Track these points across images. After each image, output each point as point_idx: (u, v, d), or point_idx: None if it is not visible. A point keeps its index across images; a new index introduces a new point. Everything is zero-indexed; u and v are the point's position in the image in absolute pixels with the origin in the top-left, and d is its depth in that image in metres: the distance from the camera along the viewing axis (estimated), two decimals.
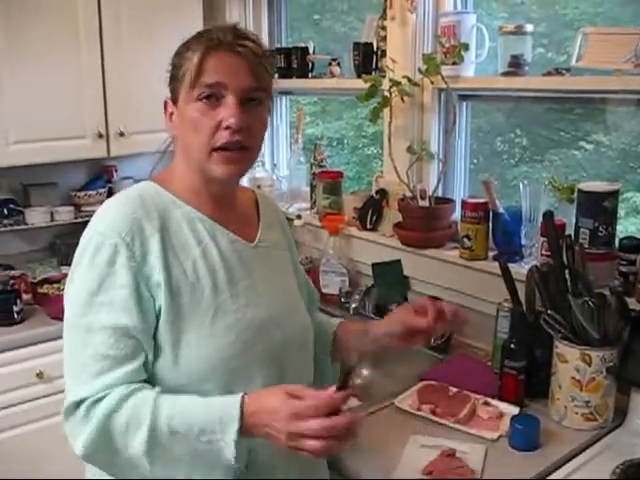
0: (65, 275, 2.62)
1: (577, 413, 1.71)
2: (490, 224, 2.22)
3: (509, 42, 2.13)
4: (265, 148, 3.31)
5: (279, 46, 3.24)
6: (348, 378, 1.18)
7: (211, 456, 1.14)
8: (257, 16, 3.33)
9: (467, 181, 2.53)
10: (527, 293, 1.87)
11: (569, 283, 1.77)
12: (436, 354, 2.21)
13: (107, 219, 1.26)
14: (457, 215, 2.37)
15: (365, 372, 2.29)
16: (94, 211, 1.32)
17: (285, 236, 1.55)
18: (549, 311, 1.75)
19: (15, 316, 2.60)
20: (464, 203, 2.25)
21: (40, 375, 2.54)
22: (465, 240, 2.24)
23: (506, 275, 1.92)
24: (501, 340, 1.94)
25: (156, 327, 1.23)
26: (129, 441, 1.15)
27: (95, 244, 1.22)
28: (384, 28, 2.54)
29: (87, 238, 1.25)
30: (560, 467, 1.57)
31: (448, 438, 1.66)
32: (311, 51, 3.01)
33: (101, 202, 1.36)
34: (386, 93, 2.42)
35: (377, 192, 2.61)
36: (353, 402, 1.98)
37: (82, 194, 3.12)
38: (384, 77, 2.47)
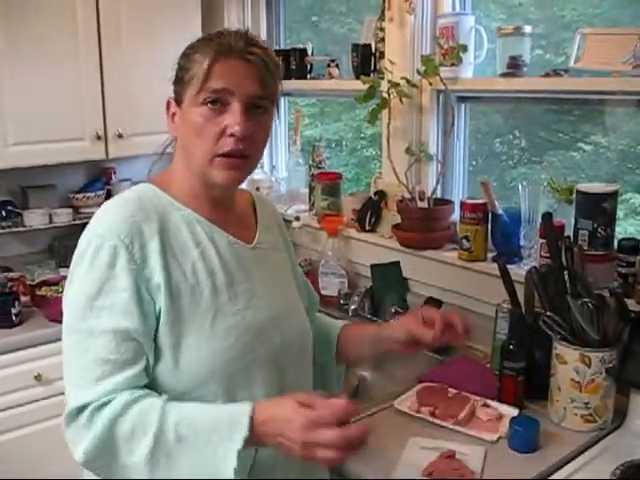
0: (63, 277, 2.63)
1: (576, 414, 1.71)
2: (489, 225, 2.22)
3: (507, 43, 2.13)
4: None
5: (277, 47, 3.24)
6: (358, 388, 1.19)
7: (212, 468, 1.12)
8: (255, 17, 3.33)
9: (466, 182, 2.53)
10: (526, 294, 1.87)
11: (568, 284, 1.77)
12: (435, 355, 2.21)
13: (106, 221, 1.25)
14: (456, 216, 2.37)
15: (364, 374, 2.28)
16: (92, 213, 1.31)
17: (283, 238, 1.56)
18: (548, 312, 1.75)
19: (13, 318, 2.60)
20: (463, 204, 2.25)
21: (38, 377, 2.54)
22: (464, 241, 2.23)
23: (505, 276, 1.92)
24: (500, 341, 1.94)
25: (156, 330, 1.23)
26: (133, 447, 1.14)
27: (94, 246, 1.22)
28: (382, 29, 2.54)
29: (86, 240, 1.24)
30: (560, 469, 1.57)
31: (447, 440, 1.66)
32: (309, 52, 3.01)
33: (99, 204, 1.35)
34: (385, 94, 2.42)
35: (376, 193, 2.61)
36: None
37: (80, 196, 3.11)
38: (382, 78, 2.48)
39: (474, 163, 2.59)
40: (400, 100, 2.41)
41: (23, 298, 2.72)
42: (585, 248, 1.86)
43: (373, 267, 2.56)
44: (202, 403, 1.20)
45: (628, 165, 2.22)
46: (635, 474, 1.50)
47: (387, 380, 2.17)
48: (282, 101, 3.36)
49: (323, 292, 2.71)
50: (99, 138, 2.92)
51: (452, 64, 2.27)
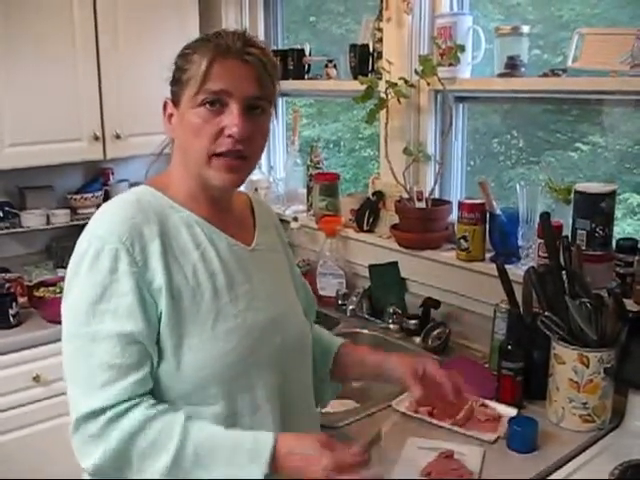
0: (61, 278, 2.63)
1: (575, 414, 1.71)
2: (487, 225, 2.22)
3: (505, 43, 2.13)
4: None
5: (275, 48, 3.24)
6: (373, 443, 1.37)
7: None
8: (253, 18, 3.33)
9: (464, 183, 2.53)
10: (524, 294, 1.87)
11: (566, 284, 1.77)
12: (433, 356, 2.21)
13: (105, 223, 1.24)
14: (454, 216, 2.36)
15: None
16: (90, 214, 1.31)
17: (280, 239, 1.55)
18: (546, 312, 1.75)
19: (11, 319, 2.59)
20: (461, 204, 2.25)
21: (37, 378, 2.53)
22: (462, 241, 2.23)
23: (503, 276, 1.92)
24: (498, 342, 1.94)
25: (158, 332, 1.22)
26: (147, 465, 1.14)
27: (94, 249, 1.20)
28: (380, 30, 2.54)
29: (85, 243, 1.23)
30: (558, 469, 1.57)
31: (446, 440, 1.66)
32: (307, 53, 3.01)
33: (97, 205, 1.35)
34: (382, 95, 2.42)
35: (374, 194, 2.61)
36: (350, 404, 1.98)
37: (78, 197, 3.11)
38: (380, 79, 2.48)
39: (472, 163, 2.59)
40: (398, 100, 2.41)
41: (21, 299, 2.72)
42: (583, 248, 1.86)
43: (371, 267, 2.56)
44: (223, 428, 1.20)
45: (626, 165, 2.22)
46: (634, 474, 1.50)
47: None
48: (280, 101, 3.36)
49: (321, 292, 2.71)
50: (97, 139, 2.91)
51: (450, 64, 2.27)
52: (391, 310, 2.43)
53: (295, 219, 2.92)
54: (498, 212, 2.18)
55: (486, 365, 2.08)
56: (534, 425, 1.65)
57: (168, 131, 1.35)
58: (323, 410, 1.65)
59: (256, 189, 3.11)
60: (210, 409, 1.24)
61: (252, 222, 1.47)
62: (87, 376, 1.17)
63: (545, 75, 2.05)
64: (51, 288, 2.74)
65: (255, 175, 3.13)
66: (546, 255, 1.86)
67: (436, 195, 2.47)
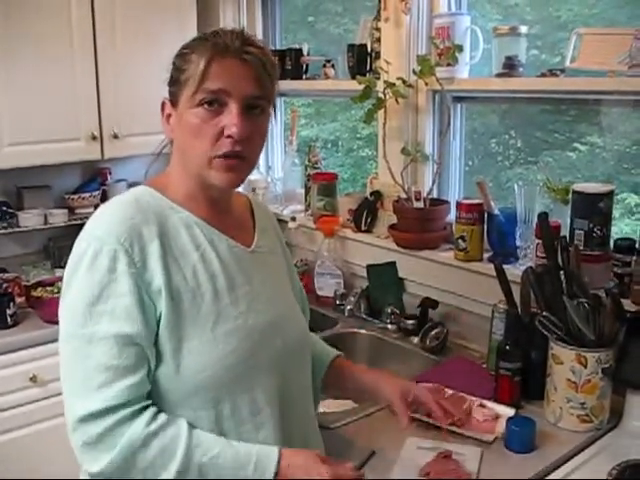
0: (59, 278, 2.63)
1: (573, 415, 1.71)
2: (485, 225, 2.22)
3: (503, 43, 2.13)
4: None
5: (273, 48, 3.24)
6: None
7: None
8: (251, 18, 3.33)
9: (462, 183, 2.53)
10: (522, 294, 1.87)
11: (564, 284, 1.77)
12: (431, 356, 2.21)
13: (104, 223, 1.23)
14: (452, 217, 2.36)
15: None
16: (88, 214, 1.30)
17: (279, 241, 1.55)
18: (544, 312, 1.75)
19: (8, 319, 2.59)
20: (459, 204, 2.25)
21: (34, 379, 2.53)
22: (460, 241, 2.23)
23: (501, 276, 1.92)
24: (496, 342, 1.94)
25: (157, 334, 1.21)
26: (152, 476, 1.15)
27: (93, 250, 1.19)
28: (378, 29, 2.54)
29: (83, 243, 1.21)
30: (556, 469, 1.57)
31: (444, 440, 1.66)
32: (305, 53, 3.02)
33: (95, 205, 1.34)
34: (380, 95, 2.42)
35: (372, 194, 2.61)
36: (348, 404, 1.98)
37: (76, 197, 3.10)
38: (378, 79, 2.48)
39: (470, 163, 2.59)
40: (396, 100, 2.40)
41: (18, 299, 2.71)
42: (581, 248, 1.86)
43: (369, 267, 2.56)
44: (227, 440, 1.21)
45: (624, 165, 2.22)
46: (632, 474, 1.50)
47: None
48: (278, 101, 3.35)
49: (319, 292, 2.71)
50: (94, 138, 2.91)
51: (448, 64, 2.27)
52: (389, 310, 2.43)
53: (293, 219, 2.92)
54: (496, 212, 2.18)
55: (484, 365, 2.08)
56: (532, 425, 1.65)
57: (166, 132, 1.34)
58: (321, 410, 1.65)
59: (254, 189, 3.11)
60: (210, 413, 1.23)
61: (252, 224, 1.46)
62: (83, 378, 1.16)
63: (543, 75, 2.05)
64: (49, 288, 2.74)
65: (253, 175, 3.09)
66: (544, 255, 1.86)
67: (434, 195, 2.47)
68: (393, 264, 2.49)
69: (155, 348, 1.21)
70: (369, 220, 2.63)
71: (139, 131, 2.87)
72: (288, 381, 1.34)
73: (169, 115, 1.31)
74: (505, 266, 1.97)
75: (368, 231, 2.65)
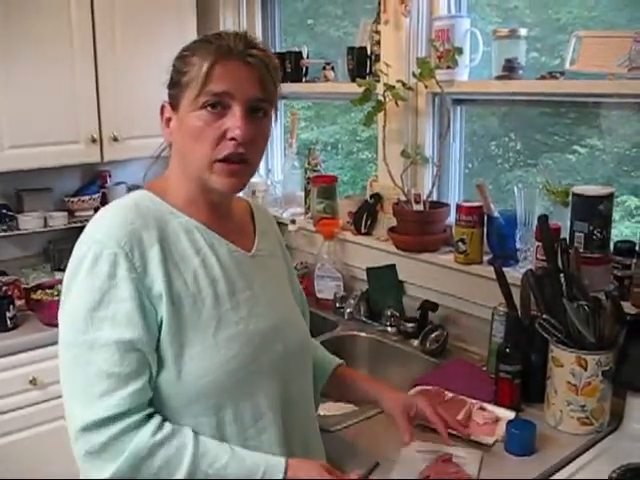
0: (59, 281, 2.63)
1: (573, 417, 1.71)
2: (485, 228, 2.21)
3: (503, 46, 2.13)
4: None
5: (273, 50, 3.23)
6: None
7: None
8: (251, 20, 3.33)
9: (461, 185, 2.53)
10: (522, 297, 1.87)
11: (564, 287, 1.77)
12: (431, 359, 2.21)
13: (104, 227, 1.21)
14: (452, 219, 2.36)
15: None
16: (88, 216, 1.30)
17: (280, 245, 1.54)
18: (544, 315, 1.75)
19: (8, 322, 2.59)
20: (459, 207, 2.25)
21: (33, 381, 2.52)
22: (460, 244, 2.23)
23: (501, 279, 1.92)
24: (496, 344, 1.94)
25: (158, 340, 1.20)
26: None
27: (93, 254, 1.17)
28: (378, 32, 2.54)
29: (83, 247, 1.20)
30: (556, 472, 1.57)
31: (444, 443, 1.65)
32: (305, 55, 3.02)
33: (95, 207, 1.34)
34: (380, 97, 2.42)
35: (371, 196, 2.61)
36: (349, 407, 1.98)
37: (76, 199, 3.10)
38: (378, 81, 2.48)
39: (470, 166, 2.59)
40: (396, 103, 2.41)
41: (18, 302, 2.71)
42: (581, 251, 1.86)
43: (369, 270, 2.55)
44: (233, 448, 1.21)
45: (623, 168, 2.22)
46: (632, 477, 1.49)
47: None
48: (278, 104, 3.35)
49: (319, 295, 2.71)
50: (94, 141, 2.91)
51: (448, 67, 2.27)
52: (389, 313, 2.43)
53: (293, 222, 2.92)
54: (496, 215, 2.17)
55: (484, 368, 2.08)
56: (532, 428, 1.65)
57: (166, 135, 1.33)
58: (321, 413, 1.64)
59: (254, 192, 3.11)
60: (211, 419, 1.22)
61: (252, 228, 1.45)
62: (85, 386, 1.15)
63: (543, 78, 2.05)
64: (48, 291, 2.74)
65: (253, 178, 3.11)
66: (544, 258, 1.86)
67: (434, 198, 2.47)
68: (393, 267, 2.49)
69: (156, 354, 1.20)
70: (369, 223, 2.63)
71: (139, 134, 2.87)
72: (289, 384, 1.34)
73: (169, 118, 1.30)
74: (505, 269, 1.97)
75: (368, 234, 2.64)
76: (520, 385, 1.80)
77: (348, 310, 2.55)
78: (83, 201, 3.10)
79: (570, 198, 1.95)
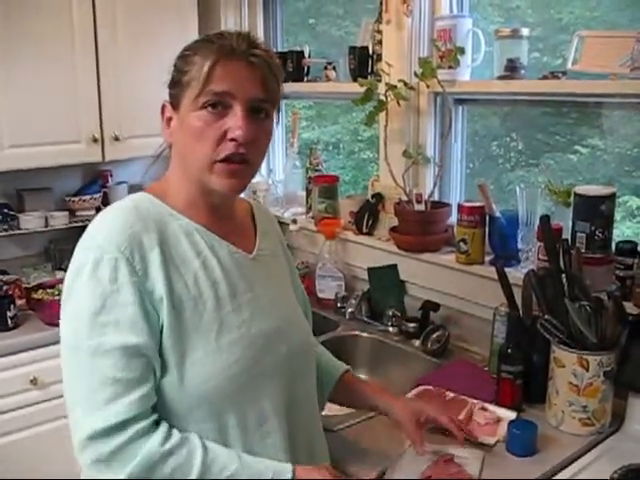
0: (60, 280, 2.63)
1: (575, 418, 1.70)
2: (486, 228, 2.21)
3: (505, 46, 2.13)
4: None
5: (275, 50, 3.24)
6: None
7: None
8: (252, 20, 3.33)
9: (463, 185, 2.53)
10: (524, 297, 1.87)
11: (566, 287, 1.77)
12: (433, 359, 2.21)
13: (104, 231, 1.20)
14: (453, 219, 2.36)
15: (362, 377, 2.27)
16: (89, 216, 1.29)
17: (281, 245, 1.53)
18: (546, 315, 1.75)
19: (9, 322, 2.59)
20: (460, 207, 2.24)
21: (34, 381, 2.52)
22: (461, 244, 2.23)
23: (503, 279, 1.92)
24: (498, 345, 1.94)
25: (160, 344, 1.18)
26: None
27: (93, 259, 1.16)
28: (380, 32, 2.54)
29: (84, 251, 1.19)
30: (558, 472, 1.57)
31: (445, 443, 1.65)
32: (307, 55, 3.01)
33: (96, 207, 1.33)
34: (382, 97, 2.42)
35: (373, 196, 2.61)
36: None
37: (77, 199, 3.10)
38: (380, 81, 2.47)
39: (471, 166, 2.59)
40: (397, 103, 2.40)
41: (19, 301, 2.71)
42: (583, 251, 1.86)
43: (370, 270, 2.55)
44: (240, 455, 1.20)
45: (625, 168, 2.22)
46: (634, 478, 1.49)
47: (385, 383, 2.16)
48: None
49: (320, 295, 2.71)
50: (95, 141, 2.91)
51: (449, 67, 2.27)
52: (390, 313, 2.43)
53: (294, 221, 2.92)
54: (498, 215, 2.17)
55: (485, 368, 2.07)
56: (534, 428, 1.64)
57: (166, 135, 1.31)
58: (323, 413, 1.64)
59: (255, 192, 3.11)
60: (214, 425, 1.21)
61: (253, 229, 1.44)
62: (89, 392, 1.13)
63: (545, 78, 2.05)
64: (49, 290, 2.74)
65: (254, 177, 3.12)
66: (546, 258, 1.86)
67: (435, 198, 2.47)
68: (394, 267, 2.49)
69: (160, 358, 1.18)
70: (370, 222, 2.63)
71: (140, 133, 2.87)
72: (294, 385, 1.33)
73: (169, 118, 1.29)
74: (507, 269, 1.97)
75: (369, 234, 2.64)
76: (522, 385, 1.80)
77: (349, 310, 2.55)
78: (84, 201, 3.10)
79: (572, 198, 1.95)
